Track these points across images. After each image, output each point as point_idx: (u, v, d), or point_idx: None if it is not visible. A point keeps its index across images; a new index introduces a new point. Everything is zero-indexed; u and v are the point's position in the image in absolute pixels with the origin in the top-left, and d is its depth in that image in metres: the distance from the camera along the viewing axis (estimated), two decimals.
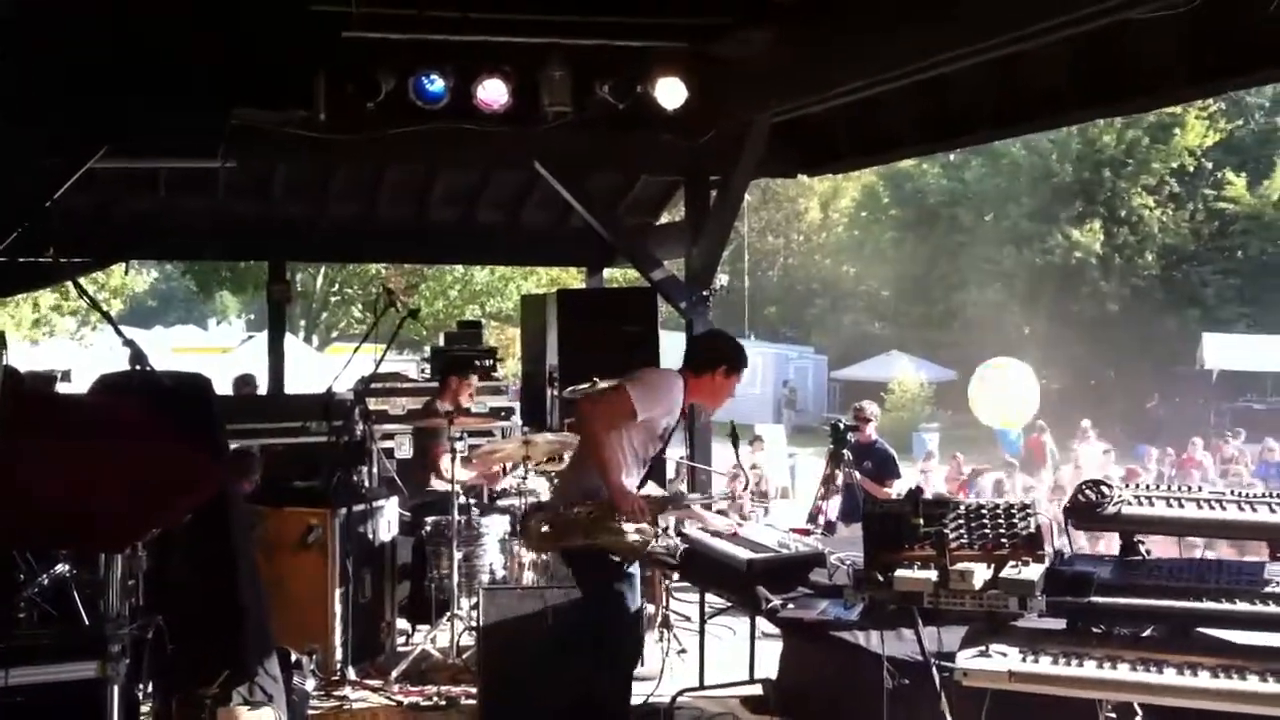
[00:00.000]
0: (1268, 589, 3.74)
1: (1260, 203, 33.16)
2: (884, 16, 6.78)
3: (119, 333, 4.78)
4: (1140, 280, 34.20)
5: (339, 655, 6.76)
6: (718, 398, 5.78)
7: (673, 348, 10.54)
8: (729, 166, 8.94)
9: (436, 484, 8.03)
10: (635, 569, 5.49)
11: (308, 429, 8.69)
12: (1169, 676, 3.50)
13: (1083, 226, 33.85)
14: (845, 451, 8.26)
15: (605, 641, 5.41)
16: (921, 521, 4.05)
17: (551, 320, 10.42)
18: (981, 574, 3.90)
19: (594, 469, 5.34)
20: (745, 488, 6.34)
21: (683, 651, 7.26)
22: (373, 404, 8.52)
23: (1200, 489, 4.22)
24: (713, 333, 6.39)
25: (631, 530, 5.29)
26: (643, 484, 5.62)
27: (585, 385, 7.46)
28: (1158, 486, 4.19)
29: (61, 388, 10.58)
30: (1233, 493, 4.12)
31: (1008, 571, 3.90)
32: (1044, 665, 3.61)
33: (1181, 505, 4.05)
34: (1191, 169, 34.44)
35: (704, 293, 9.39)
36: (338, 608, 6.77)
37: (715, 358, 5.64)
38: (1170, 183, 34.36)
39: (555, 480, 7.26)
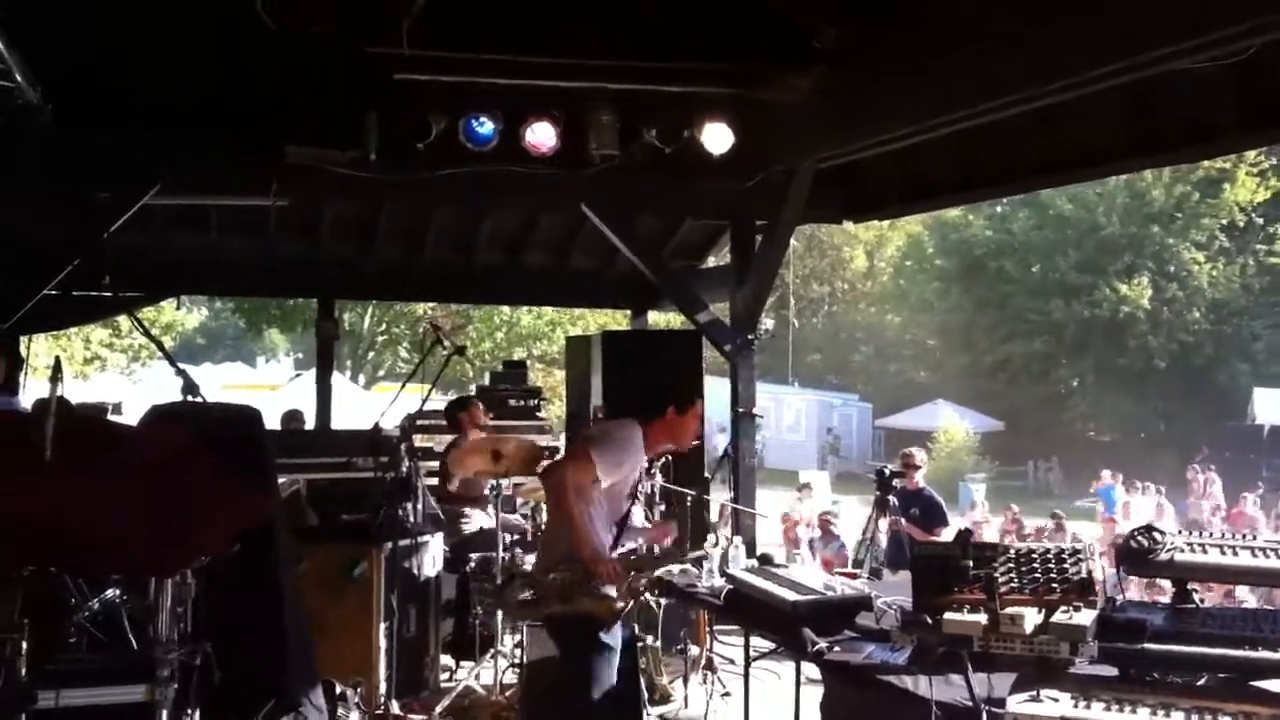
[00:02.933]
0: None
1: None
2: (929, 64, 6.80)
3: (172, 363, 4.85)
4: (1189, 335, 33.89)
5: (383, 689, 6.76)
6: (682, 437, 5.69)
7: (716, 392, 10.57)
8: (774, 211, 8.96)
9: (450, 487, 8.08)
10: (616, 638, 5.37)
11: (354, 464, 8.73)
12: None
13: (1130, 280, 33.61)
14: (891, 498, 8.23)
15: (584, 709, 5.30)
16: (971, 564, 4.01)
17: (596, 362, 10.45)
18: (1032, 618, 3.85)
19: (567, 534, 5.27)
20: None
21: (726, 694, 7.20)
22: (419, 441, 8.54)
23: (1255, 538, 4.16)
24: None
25: (610, 592, 5.23)
26: (616, 544, 5.56)
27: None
28: (1210, 535, 4.14)
29: (113, 420, 10.69)
30: None
31: (1059, 616, 3.84)
32: (1096, 712, 3.55)
33: (1235, 553, 4.00)
34: (1242, 224, 34.16)
35: (749, 337, 9.38)
36: (382, 642, 6.78)
37: (659, 399, 5.59)
38: (1220, 237, 34.08)
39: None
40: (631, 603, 5.32)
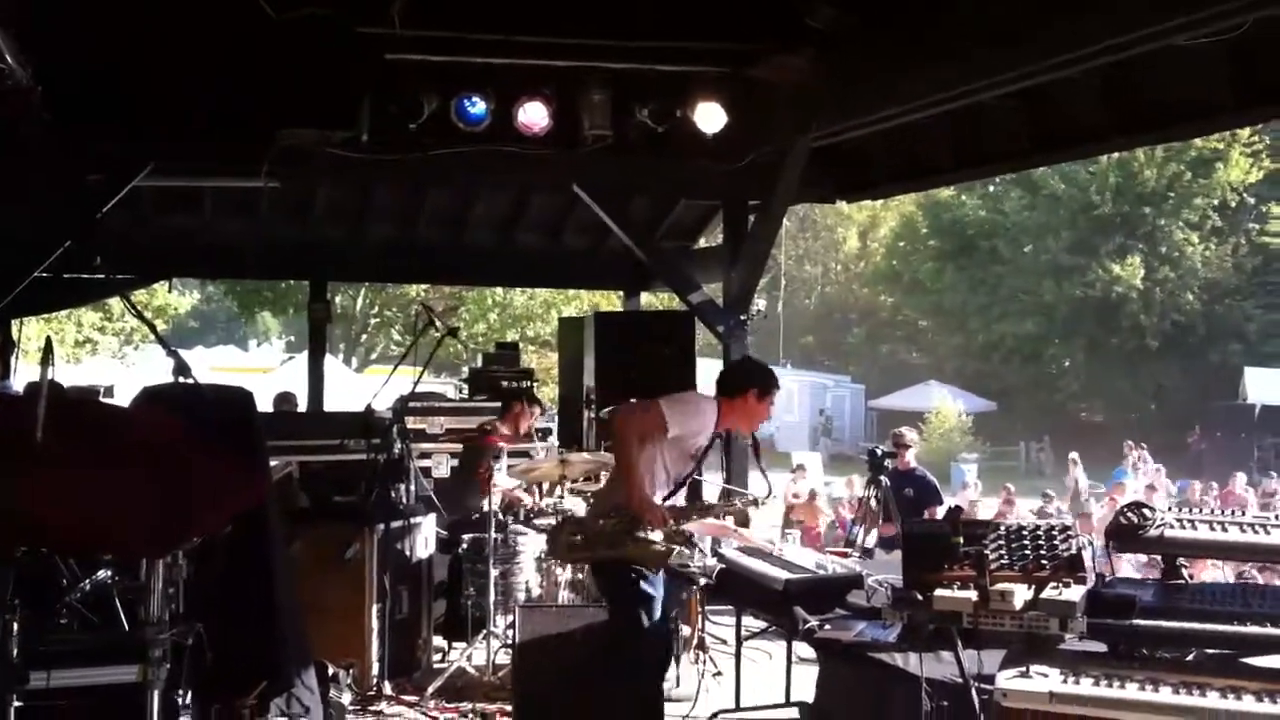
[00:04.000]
0: None
1: None
2: (923, 42, 6.79)
3: (164, 345, 4.83)
4: (1181, 315, 33.96)
5: (375, 670, 6.79)
6: (751, 421, 5.78)
7: (708, 374, 10.56)
8: (768, 191, 8.93)
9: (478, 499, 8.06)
10: (658, 588, 5.46)
11: (346, 446, 8.74)
12: (1212, 700, 3.45)
13: (1123, 260, 33.65)
14: (883, 478, 8.26)
15: (624, 657, 5.43)
16: (961, 541, 4.03)
17: (589, 343, 10.44)
18: (1022, 595, 3.88)
19: (622, 483, 5.36)
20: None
21: (718, 674, 7.23)
22: (411, 423, 8.54)
23: (1244, 514, 4.18)
24: (744, 358, 6.40)
25: (657, 538, 5.32)
26: (670, 497, 5.61)
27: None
28: (1200, 511, 4.16)
29: (105, 401, 10.68)
30: (1277, 517, 4.08)
31: (1048, 593, 3.87)
32: (1085, 687, 3.57)
33: (1225, 529, 4.02)
34: (1234, 204, 34.19)
35: (741, 317, 9.37)
36: (374, 623, 6.81)
37: (745, 381, 5.67)
38: (1212, 217, 34.11)
39: (591, 499, 7.26)
40: (676, 550, 5.39)
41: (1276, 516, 4.13)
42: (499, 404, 9.42)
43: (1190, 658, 3.78)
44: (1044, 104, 7.77)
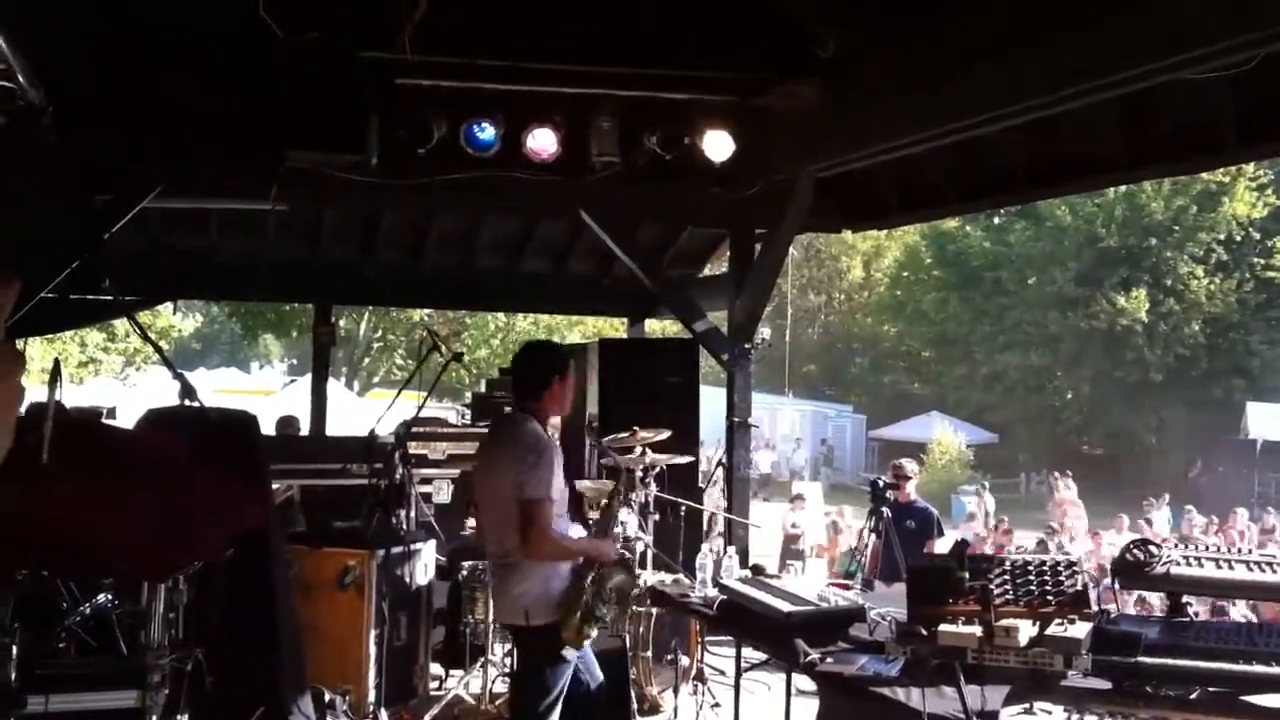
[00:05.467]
0: None
1: None
2: (931, 73, 6.80)
3: (171, 368, 4.84)
4: (1185, 348, 33.92)
5: (372, 696, 6.74)
6: (564, 404, 5.64)
7: (712, 401, 10.56)
8: (774, 220, 8.94)
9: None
10: (572, 655, 5.33)
11: (348, 471, 8.73)
12: None
13: (1128, 293, 33.64)
14: (884, 509, 8.23)
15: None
16: (967, 576, 4.01)
17: (593, 370, 10.44)
18: (1027, 631, 3.85)
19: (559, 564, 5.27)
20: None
21: (716, 705, 7.20)
22: (413, 448, 8.53)
23: (1250, 552, 4.16)
24: (526, 351, 6.12)
25: (619, 562, 5.42)
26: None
27: (624, 434, 7.46)
28: (1206, 548, 4.14)
29: (109, 423, 10.68)
30: None
31: (1053, 629, 3.84)
32: None
33: (1231, 567, 4.00)
34: (1240, 238, 34.21)
35: (746, 346, 9.38)
36: (372, 649, 6.77)
37: (545, 372, 5.49)
38: (1218, 251, 34.13)
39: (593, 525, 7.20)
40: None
41: None
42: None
43: (1195, 696, 3.75)
44: (1051, 136, 7.78)
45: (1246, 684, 3.69)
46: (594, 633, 5.28)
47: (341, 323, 28.08)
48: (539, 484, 5.08)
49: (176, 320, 28.57)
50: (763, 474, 30.90)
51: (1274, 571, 3.96)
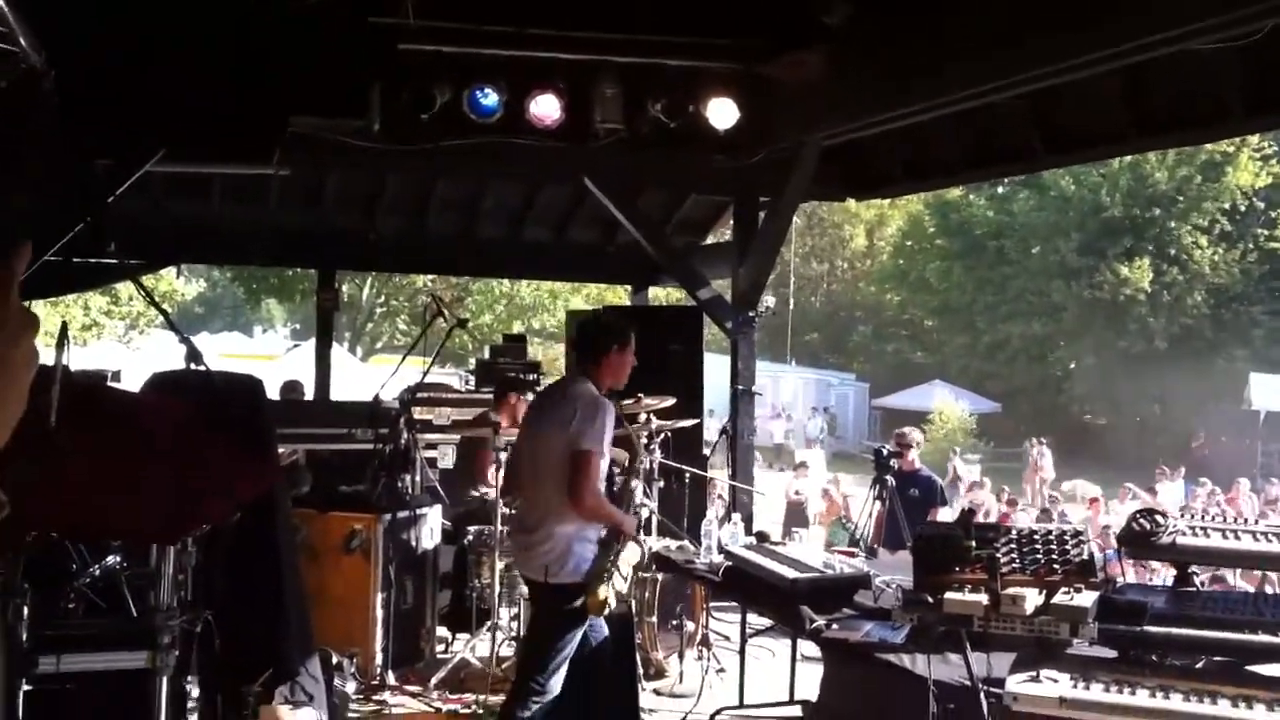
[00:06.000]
0: None
1: None
2: (936, 42, 6.77)
3: (177, 331, 4.83)
4: (1189, 318, 33.90)
5: (379, 660, 6.79)
6: (620, 375, 5.60)
7: (715, 369, 10.55)
8: (778, 188, 8.92)
9: (479, 490, 8.05)
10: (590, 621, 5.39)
11: (353, 435, 8.74)
12: (1222, 708, 3.45)
13: (1131, 263, 33.58)
14: (888, 478, 8.25)
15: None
16: (973, 544, 4.02)
17: None
18: (1033, 599, 3.86)
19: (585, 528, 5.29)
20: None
21: (721, 671, 7.23)
22: (418, 413, 8.54)
23: (1256, 522, 4.17)
24: (589, 319, 6.22)
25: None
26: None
27: (629, 401, 7.46)
28: (1213, 518, 4.15)
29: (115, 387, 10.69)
30: None
31: (1060, 598, 3.86)
32: (1095, 693, 3.57)
33: (1237, 537, 4.01)
34: (1244, 208, 34.11)
35: (750, 314, 9.37)
36: (379, 613, 6.81)
37: (606, 339, 5.54)
38: (1221, 221, 34.03)
39: None
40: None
41: None
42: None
43: (1200, 665, 3.78)
44: (1056, 106, 7.75)
45: (1252, 654, 3.71)
46: (614, 603, 5.31)
47: (344, 288, 28.06)
48: (594, 437, 5.16)
49: (179, 285, 28.56)
50: (777, 444, 30.94)
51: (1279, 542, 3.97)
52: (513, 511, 6.33)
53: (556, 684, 5.23)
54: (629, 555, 5.35)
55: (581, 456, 5.12)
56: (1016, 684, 3.63)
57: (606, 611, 5.31)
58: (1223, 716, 3.43)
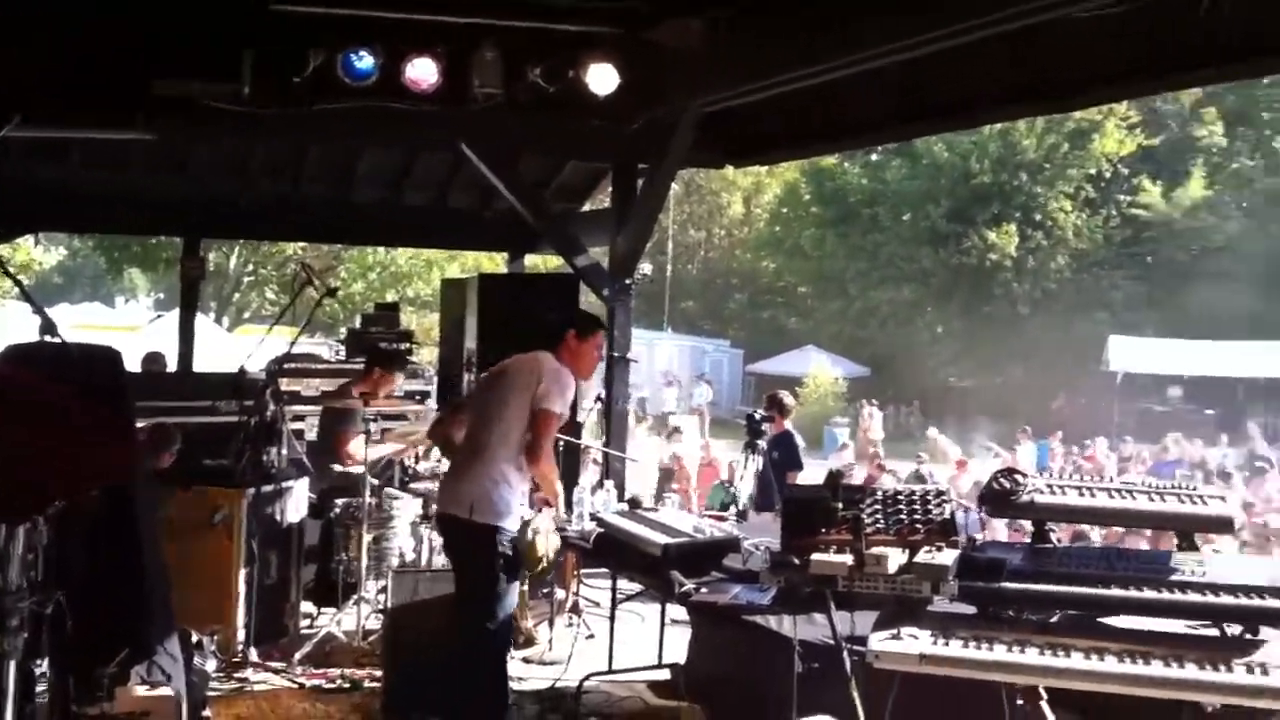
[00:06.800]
0: (1172, 577, 3.81)
1: (1172, 210, 33.85)
2: (817, 10, 6.81)
3: (31, 302, 4.65)
4: (1051, 283, 34.82)
5: (241, 636, 6.66)
6: (579, 364, 5.68)
7: None
8: (657, 155, 8.92)
9: (339, 468, 7.92)
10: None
11: (217, 408, 8.54)
12: (1076, 661, 3.56)
13: (998, 229, 34.38)
14: (760, 442, 8.34)
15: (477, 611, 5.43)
16: (839, 506, 4.09)
17: (471, 305, 10.34)
18: (896, 558, 3.94)
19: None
20: None
21: (591, 636, 7.26)
22: (285, 385, 8.36)
23: (1111, 480, 4.31)
24: (557, 304, 6.43)
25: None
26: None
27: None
28: (1070, 476, 4.28)
29: None
30: (1143, 483, 4.22)
31: (922, 556, 3.94)
32: (954, 649, 3.66)
33: (1093, 494, 4.14)
34: (1108, 175, 35.13)
35: (626, 281, 9.38)
36: (242, 589, 6.68)
37: (562, 324, 5.70)
38: (1086, 188, 35.00)
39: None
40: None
41: (1142, 482, 4.27)
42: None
43: (1055, 620, 3.89)
44: (931, 74, 7.83)
45: (1104, 607, 3.84)
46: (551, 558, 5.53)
47: (211, 256, 27.36)
48: (561, 401, 5.39)
49: (37, 254, 27.47)
50: (667, 412, 31.05)
51: (1133, 498, 4.11)
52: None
53: (505, 629, 5.43)
54: (546, 520, 5.41)
55: (548, 416, 5.35)
56: (878, 642, 3.71)
57: (544, 566, 5.48)
58: (1076, 669, 3.54)
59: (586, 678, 6.38)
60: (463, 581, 5.55)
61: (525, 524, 5.33)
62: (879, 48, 6.68)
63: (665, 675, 6.35)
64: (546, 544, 5.35)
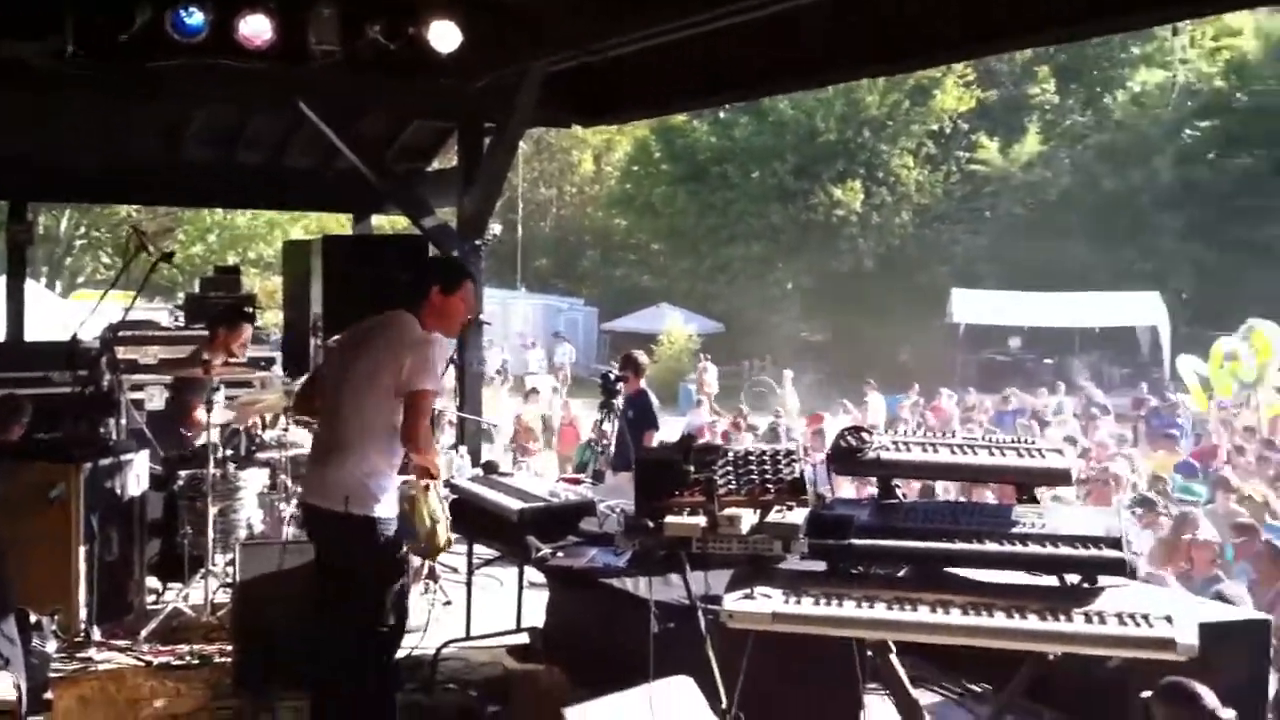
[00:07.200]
0: (1014, 530, 3.93)
1: (1009, 165, 34.93)
2: None
3: None
4: (895, 238, 35.65)
5: (83, 616, 6.43)
6: (444, 322, 5.19)
7: None
8: (504, 114, 8.82)
9: (188, 433, 7.70)
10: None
11: (50, 379, 8.19)
12: (922, 614, 3.66)
13: (844, 185, 35.02)
14: (615, 401, 8.35)
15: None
16: (692, 468, 4.11)
17: (316, 268, 10.09)
18: (748, 519, 3.99)
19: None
20: None
21: (448, 603, 7.21)
22: (122, 353, 8.04)
23: (954, 435, 4.43)
24: (435, 258, 6.05)
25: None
26: None
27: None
28: (914, 432, 4.37)
29: None
30: (984, 438, 4.34)
31: (773, 516, 4.00)
32: (805, 606, 3.72)
33: (936, 450, 4.24)
34: (949, 131, 36.03)
35: (476, 242, 9.27)
36: (82, 566, 6.43)
37: (424, 280, 5.21)
38: (927, 144, 35.85)
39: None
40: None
41: (984, 437, 4.39)
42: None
43: (902, 574, 3.99)
44: (784, 31, 7.86)
45: (950, 561, 3.94)
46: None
47: (41, 219, 26.22)
48: (430, 376, 4.93)
49: None
50: (530, 373, 30.85)
51: (975, 454, 4.22)
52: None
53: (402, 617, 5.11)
54: (435, 501, 5.19)
55: (420, 396, 4.89)
56: (732, 601, 3.75)
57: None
58: (922, 622, 3.64)
59: (445, 645, 6.33)
60: (341, 578, 5.10)
61: (412, 499, 5.06)
62: (722, 8, 6.70)
63: (524, 639, 6.33)
64: (446, 530, 5.13)
